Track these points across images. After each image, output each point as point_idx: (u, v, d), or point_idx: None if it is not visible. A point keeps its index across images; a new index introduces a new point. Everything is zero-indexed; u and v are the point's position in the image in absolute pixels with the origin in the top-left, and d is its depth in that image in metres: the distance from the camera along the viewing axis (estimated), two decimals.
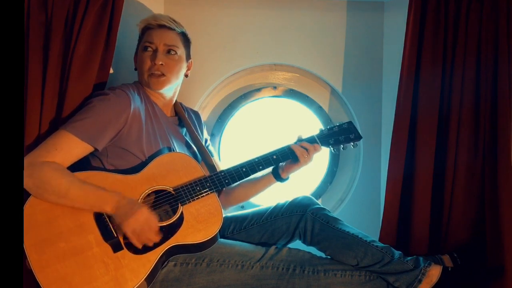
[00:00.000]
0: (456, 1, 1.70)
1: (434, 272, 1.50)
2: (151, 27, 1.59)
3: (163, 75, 1.56)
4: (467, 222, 1.68)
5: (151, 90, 1.60)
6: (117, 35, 1.61)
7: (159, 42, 1.57)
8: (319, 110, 2.12)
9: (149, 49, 1.57)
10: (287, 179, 1.68)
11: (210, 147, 1.81)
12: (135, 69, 1.64)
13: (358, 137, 1.66)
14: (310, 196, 1.70)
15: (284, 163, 1.64)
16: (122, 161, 1.49)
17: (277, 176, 1.66)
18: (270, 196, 1.89)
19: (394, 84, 1.80)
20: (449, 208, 1.69)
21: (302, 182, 2.12)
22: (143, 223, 1.36)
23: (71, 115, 1.50)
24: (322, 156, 2.13)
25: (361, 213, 2.04)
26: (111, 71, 1.69)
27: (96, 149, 1.45)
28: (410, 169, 1.71)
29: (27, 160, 1.36)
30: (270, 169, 1.65)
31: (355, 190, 2.06)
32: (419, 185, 1.69)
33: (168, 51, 1.58)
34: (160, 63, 1.55)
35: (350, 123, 1.69)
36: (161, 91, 1.59)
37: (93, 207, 1.38)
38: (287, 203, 1.67)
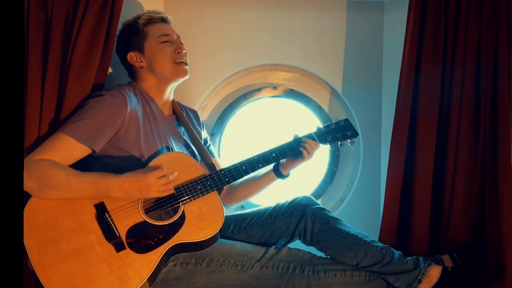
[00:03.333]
0: (456, 1, 1.69)
1: (434, 272, 1.50)
2: (155, 21, 1.63)
3: (186, 63, 1.64)
4: (467, 222, 1.68)
5: (173, 81, 1.63)
6: (116, 35, 1.60)
7: (173, 33, 1.65)
8: (319, 110, 2.13)
9: (167, 41, 1.62)
10: (287, 176, 1.69)
11: (211, 147, 1.81)
12: (136, 68, 1.62)
13: (354, 134, 1.67)
14: (310, 196, 1.70)
15: (284, 160, 1.65)
16: (121, 162, 1.49)
17: (278, 173, 1.67)
18: (270, 196, 1.89)
19: (394, 84, 1.80)
20: (449, 208, 1.69)
21: (302, 182, 2.12)
22: (159, 185, 1.39)
23: (70, 115, 1.50)
24: (322, 156, 2.13)
25: (361, 213, 2.04)
26: (110, 71, 1.69)
27: (93, 151, 1.45)
28: (410, 168, 1.71)
29: (24, 162, 1.36)
30: (271, 166, 1.66)
31: (355, 190, 2.07)
32: (419, 185, 1.69)
33: (180, 43, 1.66)
34: (184, 51, 1.64)
35: (346, 120, 1.69)
36: (182, 79, 1.64)
37: (96, 194, 1.39)
38: (287, 203, 1.67)
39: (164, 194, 1.43)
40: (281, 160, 1.65)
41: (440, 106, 1.71)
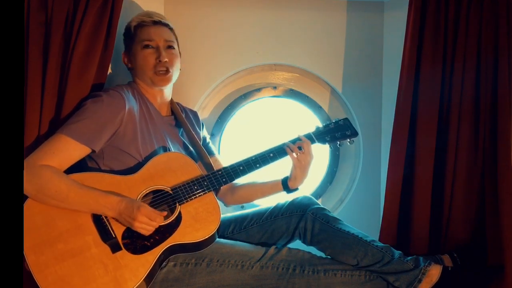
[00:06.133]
0: (456, 1, 1.69)
1: (434, 272, 1.49)
2: (146, 24, 1.59)
3: (168, 71, 1.57)
4: (467, 222, 1.68)
5: (156, 87, 1.60)
6: (116, 35, 1.61)
7: (159, 38, 1.58)
8: (319, 110, 2.13)
9: (150, 46, 1.57)
10: (295, 190, 1.66)
11: (211, 145, 1.81)
12: (129, 68, 1.63)
13: (354, 134, 1.66)
14: (310, 196, 1.70)
15: (292, 174, 1.62)
16: (118, 162, 1.49)
17: (285, 186, 1.65)
18: (270, 196, 1.89)
19: (394, 84, 1.80)
20: (449, 208, 1.69)
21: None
22: (147, 221, 1.37)
23: (70, 115, 1.50)
24: (322, 156, 2.13)
25: (361, 213, 2.04)
26: (110, 71, 1.70)
27: (93, 151, 1.45)
28: (410, 168, 1.71)
29: (25, 164, 1.36)
30: (280, 176, 1.66)
31: (355, 190, 2.06)
32: (419, 184, 1.69)
33: (168, 47, 1.60)
34: (165, 60, 1.56)
35: (346, 119, 1.69)
36: (165, 87, 1.60)
37: (93, 211, 1.39)
38: (287, 203, 1.67)
39: (145, 232, 1.39)
40: (289, 175, 1.63)
41: (440, 106, 1.71)
